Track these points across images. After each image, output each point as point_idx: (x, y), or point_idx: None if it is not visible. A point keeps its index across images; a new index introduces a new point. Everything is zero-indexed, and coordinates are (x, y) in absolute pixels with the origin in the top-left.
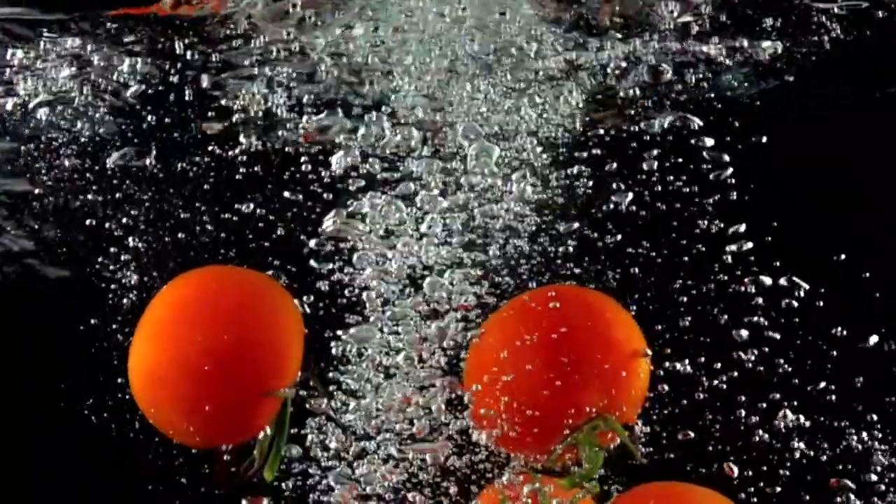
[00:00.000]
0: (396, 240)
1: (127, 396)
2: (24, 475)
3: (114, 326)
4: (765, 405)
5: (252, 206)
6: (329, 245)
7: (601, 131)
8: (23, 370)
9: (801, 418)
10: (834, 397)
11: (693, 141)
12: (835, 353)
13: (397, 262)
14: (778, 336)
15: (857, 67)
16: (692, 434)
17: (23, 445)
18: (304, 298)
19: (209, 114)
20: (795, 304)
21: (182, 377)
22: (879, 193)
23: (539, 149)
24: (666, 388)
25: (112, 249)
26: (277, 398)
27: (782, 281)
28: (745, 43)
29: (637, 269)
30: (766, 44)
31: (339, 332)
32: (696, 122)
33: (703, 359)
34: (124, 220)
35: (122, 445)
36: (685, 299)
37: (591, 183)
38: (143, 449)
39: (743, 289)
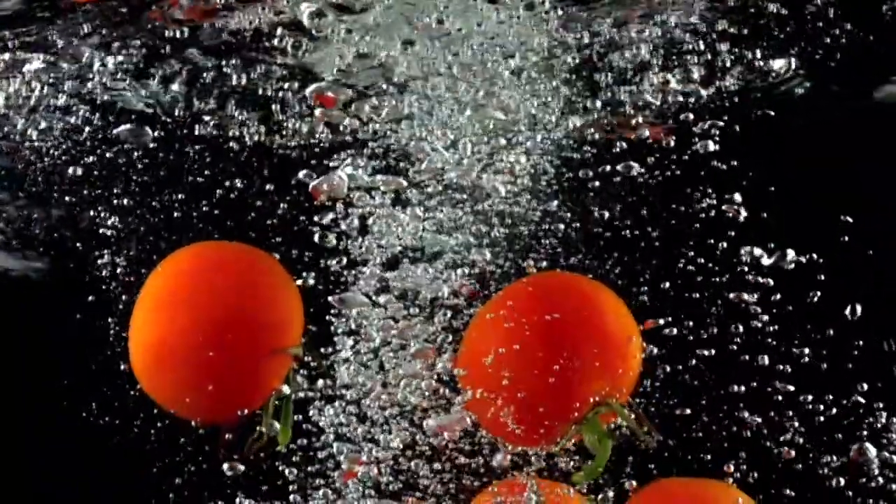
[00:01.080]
0: (390, 218)
1: (124, 386)
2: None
3: (108, 320)
4: (763, 392)
5: (243, 188)
6: (323, 218)
7: (605, 127)
8: (17, 367)
9: (800, 401)
10: (835, 390)
11: (695, 139)
12: (835, 347)
13: (391, 240)
14: (777, 336)
15: (862, 68)
16: (689, 411)
17: (20, 439)
18: (300, 278)
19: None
20: (796, 301)
21: (188, 347)
22: (884, 194)
23: (540, 137)
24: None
25: (101, 238)
26: (284, 359)
27: (784, 278)
28: (757, 54)
29: (638, 264)
30: (778, 62)
31: (334, 310)
32: (699, 122)
33: (700, 351)
34: (114, 207)
35: (122, 434)
36: (687, 298)
37: (591, 174)
38: (145, 438)
39: (743, 289)
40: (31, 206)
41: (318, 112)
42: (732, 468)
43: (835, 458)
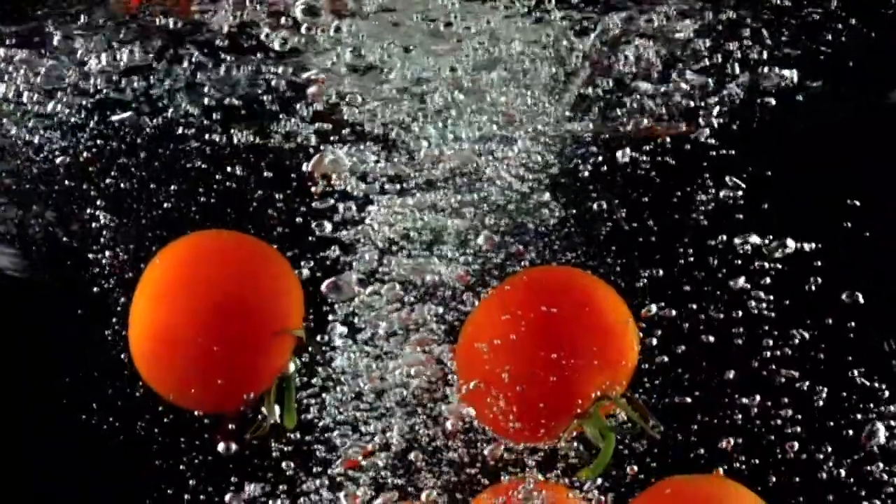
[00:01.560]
0: (388, 207)
1: (124, 386)
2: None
3: (108, 318)
4: (762, 384)
5: (240, 180)
6: (320, 206)
7: (608, 124)
8: (17, 366)
9: (801, 394)
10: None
11: (698, 138)
12: (838, 343)
13: (389, 229)
14: (777, 334)
15: (864, 70)
16: (689, 399)
17: (20, 439)
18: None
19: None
20: (797, 301)
21: (187, 335)
22: (885, 195)
23: (541, 132)
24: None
25: (99, 236)
26: (284, 346)
27: (784, 278)
28: (763, 55)
29: (638, 260)
30: (783, 65)
31: (332, 298)
32: (702, 121)
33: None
34: (111, 204)
35: (122, 434)
36: (689, 298)
37: (591, 170)
38: (145, 438)
39: (742, 286)
40: (28, 204)
41: (311, 90)
42: (730, 464)
43: (837, 450)
